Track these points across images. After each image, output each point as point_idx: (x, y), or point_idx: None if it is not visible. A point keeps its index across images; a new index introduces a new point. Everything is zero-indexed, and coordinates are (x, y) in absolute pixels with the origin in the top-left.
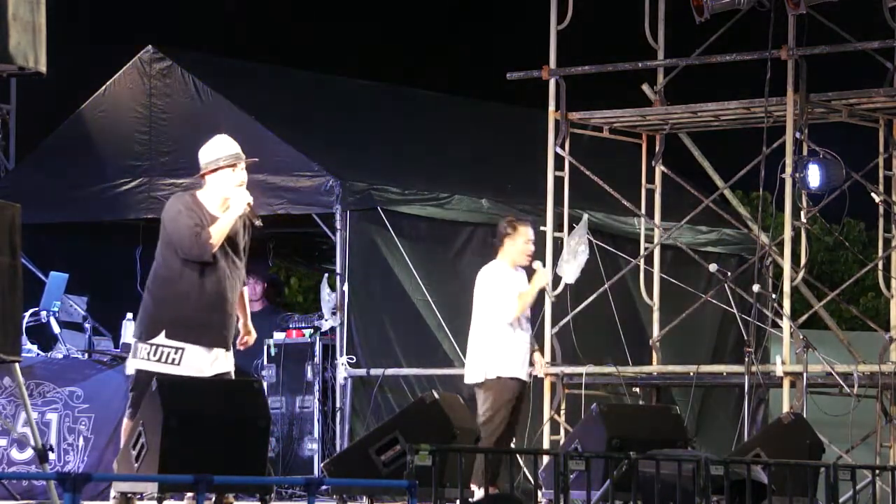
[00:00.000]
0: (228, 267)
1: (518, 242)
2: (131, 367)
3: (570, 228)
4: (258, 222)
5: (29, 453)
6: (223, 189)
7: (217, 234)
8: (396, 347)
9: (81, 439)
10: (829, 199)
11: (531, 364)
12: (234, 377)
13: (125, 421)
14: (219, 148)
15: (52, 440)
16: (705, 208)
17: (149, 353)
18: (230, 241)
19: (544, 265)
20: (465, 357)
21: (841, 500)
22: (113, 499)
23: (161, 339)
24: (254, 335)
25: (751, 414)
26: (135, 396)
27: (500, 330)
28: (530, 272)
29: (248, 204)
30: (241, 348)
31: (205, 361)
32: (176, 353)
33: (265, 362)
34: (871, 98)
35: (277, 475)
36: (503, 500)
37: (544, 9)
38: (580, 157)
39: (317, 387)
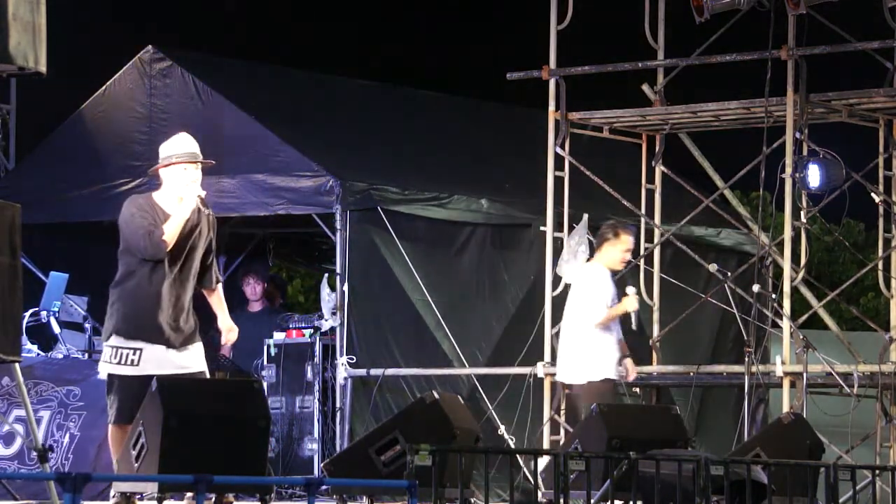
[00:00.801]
0: (183, 265)
1: (617, 249)
2: (101, 370)
3: (570, 228)
4: (207, 211)
5: (14, 449)
6: (176, 187)
7: (170, 231)
8: (396, 347)
9: (68, 436)
10: (829, 199)
11: (626, 370)
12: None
13: (110, 427)
14: (175, 145)
15: (40, 435)
16: (705, 208)
17: (110, 356)
18: (187, 238)
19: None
20: (464, 357)
21: (841, 500)
22: (112, 498)
23: (118, 340)
24: (234, 330)
25: (751, 414)
26: (110, 401)
27: (591, 331)
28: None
29: (199, 197)
30: (226, 344)
31: (164, 360)
32: (134, 353)
33: (265, 362)
34: (871, 98)
35: (277, 475)
36: None
37: (544, 9)
38: (580, 157)
39: (317, 387)
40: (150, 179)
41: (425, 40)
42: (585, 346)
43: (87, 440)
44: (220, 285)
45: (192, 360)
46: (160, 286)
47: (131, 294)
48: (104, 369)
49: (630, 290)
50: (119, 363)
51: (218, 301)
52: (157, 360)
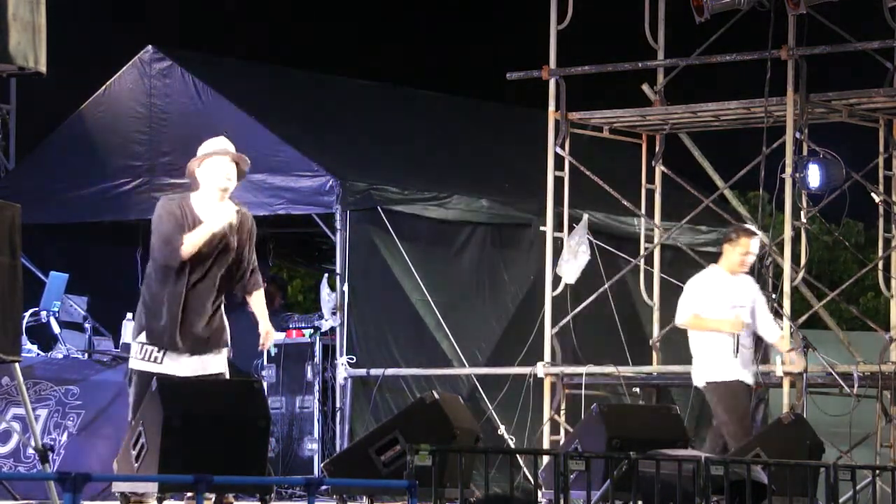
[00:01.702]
0: (208, 272)
1: (736, 251)
2: (130, 367)
3: (570, 228)
4: (240, 211)
5: (10, 447)
6: (211, 184)
7: (191, 241)
8: (396, 347)
9: (66, 435)
10: (829, 199)
11: (783, 362)
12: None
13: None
14: (207, 144)
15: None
16: (705, 208)
17: (137, 352)
18: (213, 246)
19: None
20: (464, 357)
21: (841, 500)
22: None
23: (144, 337)
24: (272, 334)
25: (751, 414)
26: (130, 397)
27: (709, 333)
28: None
29: (230, 223)
30: (263, 348)
31: (185, 362)
32: (159, 350)
33: (265, 362)
34: (871, 98)
35: (277, 475)
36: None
37: (544, 9)
38: (580, 157)
39: (317, 387)
40: (151, 179)
41: (425, 40)
42: (709, 348)
43: (85, 439)
44: (260, 290)
45: (213, 363)
46: (183, 292)
47: (156, 297)
48: (131, 365)
49: (741, 311)
50: (143, 359)
51: (256, 304)
52: (182, 363)
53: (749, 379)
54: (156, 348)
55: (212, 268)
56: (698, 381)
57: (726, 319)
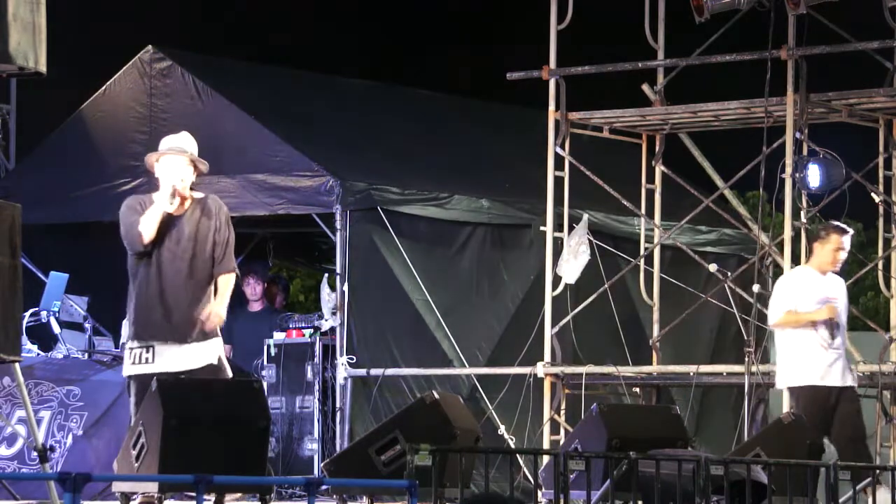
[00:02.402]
0: (179, 258)
1: (827, 249)
2: (124, 373)
3: (570, 228)
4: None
5: (15, 449)
6: (164, 183)
7: (144, 222)
8: (396, 347)
9: (70, 436)
10: (829, 199)
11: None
12: (212, 370)
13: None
14: (164, 141)
15: (41, 436)
16: (705, 208)
17: (127, 358)
18: (175, 231)
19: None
20: (465, 357)
21: (841, 500)
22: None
23: (132, 342)
24: (213, 319)
25: (751, 414)
26: (131, 403)
27: (796, 335)
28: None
29: (174, 186)
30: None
31: (177, 356)
32: (147, 351)
33: (265, 362)
34: (871, 98)
35: (277, 475)
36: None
37: (544, 9)
38: (580, 157)
39: (317, 387)
40: (151, 179)
41: (425, 40)
42: (792, 351)
43: (88, 440)
44: (227, 276)
45: (208, 353)
46: (162, 283)
47: (137, 294)
48: (124, 371)
49: (835, 300)
50: (134, 363)
51: (218, 287)
52: (171, 357)
53: (837, 380)
54: (143, 349)
55: (183, 252)
56: (781, 384)
57: (820, 309)
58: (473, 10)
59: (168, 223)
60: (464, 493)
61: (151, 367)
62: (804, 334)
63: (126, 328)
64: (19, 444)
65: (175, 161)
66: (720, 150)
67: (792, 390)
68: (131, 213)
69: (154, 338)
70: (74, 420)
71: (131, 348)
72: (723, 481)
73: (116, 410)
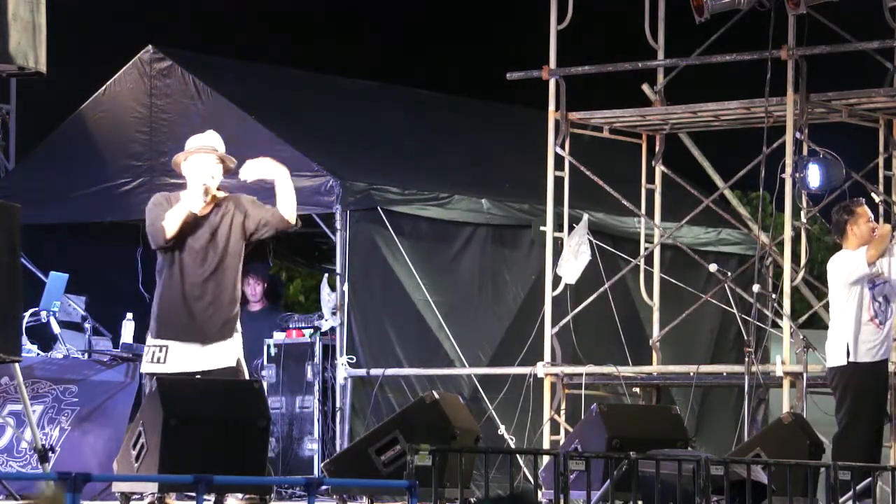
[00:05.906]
0: (206, 259)
1: (860, 224)
2: (142, 370)
3: (571, 228)
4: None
5: (3, 442)
6: (194, 181)
7: (169, 219)
8: (396, 347)
9: (58, 430)
10: (829, 199)
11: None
12: (231, 372)
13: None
14: (192, 140)
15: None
16: (705, 208)
17: (146, 355)
18: (202, 230)
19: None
20: (467, 358)
21: (841, 500)
22: (147, 497)
23: (151, 339)
24: (272, 166)
25: (751, 414)
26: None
27: (852, 317)
28: None
29: (204, 185)
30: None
31: (192, 357)
32: (161, 350)
33: (265, 362)
34: (871, 98)
35: (277, 475)
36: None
37: (544, 9)
38: (580, 157)
39: (317, 387)
40: (151, 179)
41: (425, 40)
42: (848, 332)
43: (79, 434)
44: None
45: (227, 355)
46: (184, 283)
47: (160, 292)
48: (142, 368)
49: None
50: (150, 361)
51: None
52: (186, 357)
53: (877, 357)
54: (158, 348)
55: (210, 252)
56: (829, 362)
57: (880, 232)
58: (473, 10)
59: (192, 223)
60: (464, 494)
61: (164, 367)
62: (856, 314)
63: (151, 317)
64: (8, 436)
65: (204, 160)
66: (720, 150)
67: (843, 367)
68: (157, 208)
69: (173, 337)
70: (65, 414)
71: (150, 346)
72: (723, 481)
73: (110, 405)
